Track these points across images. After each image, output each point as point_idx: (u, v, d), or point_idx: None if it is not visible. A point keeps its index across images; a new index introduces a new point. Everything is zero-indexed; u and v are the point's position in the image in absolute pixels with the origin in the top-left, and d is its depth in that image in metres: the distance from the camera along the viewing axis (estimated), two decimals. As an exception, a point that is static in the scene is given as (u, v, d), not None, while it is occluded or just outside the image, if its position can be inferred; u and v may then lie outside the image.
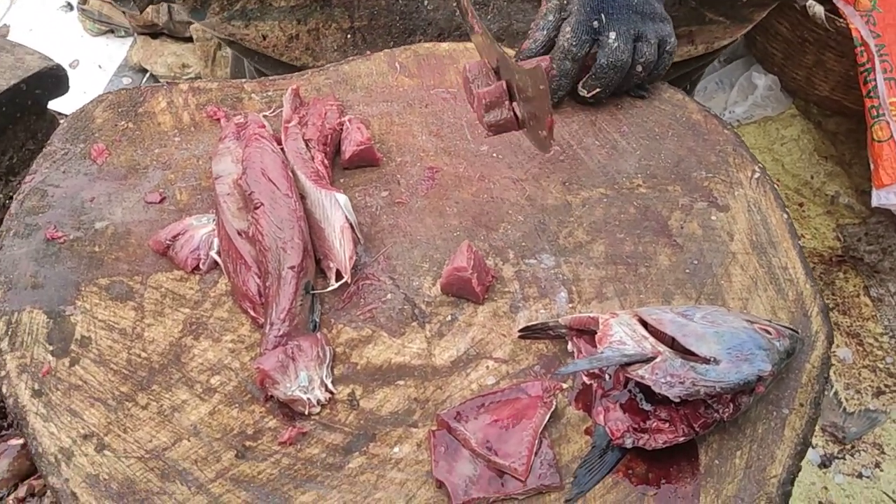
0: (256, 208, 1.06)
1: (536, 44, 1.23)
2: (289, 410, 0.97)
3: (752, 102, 2.98)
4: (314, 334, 1.01)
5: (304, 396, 0.96)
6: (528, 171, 1.22)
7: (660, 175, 1.21)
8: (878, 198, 2.30)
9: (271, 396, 0.97)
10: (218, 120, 1.25)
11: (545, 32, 1.23)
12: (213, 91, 1.29)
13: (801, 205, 2.71)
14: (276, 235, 1.03)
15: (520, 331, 1.01)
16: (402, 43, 1.53)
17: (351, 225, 1.07)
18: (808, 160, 2.87)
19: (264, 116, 1.25)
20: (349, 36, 1.53)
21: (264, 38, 1.54)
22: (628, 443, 0.91)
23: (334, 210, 1.07)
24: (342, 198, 1.07)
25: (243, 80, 1.33)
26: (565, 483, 0.92)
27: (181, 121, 1.26)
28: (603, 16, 1.20)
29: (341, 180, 1.20)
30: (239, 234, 1.07)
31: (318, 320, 1.04)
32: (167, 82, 1.32)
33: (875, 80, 2.38)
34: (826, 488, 1.96)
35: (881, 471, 2.00)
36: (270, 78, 1.32)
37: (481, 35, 1.11)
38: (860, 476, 1.99)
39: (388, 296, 1.07)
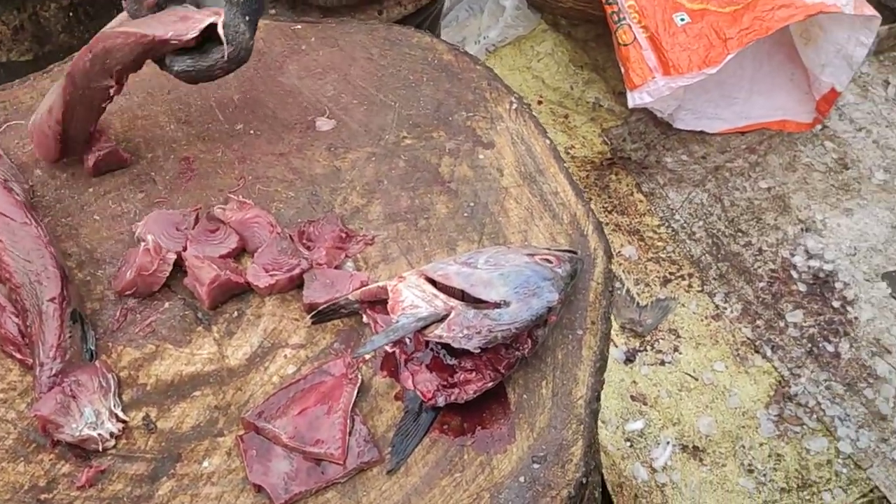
0: (-5, 246, 0.96)
1: None
2: (81, 451, 0.90)
3: (504, 24, 3.03)
4: (92, 364, 0.94)
5: (95, 433, 0.89)
6: (289, 143, 1.17)
7: (422, 123, 1.20)
8: (633, 99, 2.42)
9: (58, 441, 0.89)
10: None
11: None
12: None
13: (566, 116, 2.81)
14: (26, 269, 0.94)
15: (311, 317, 0.98)
16: (108, 17, 1.41)
17: None
18: (566, 71, 2.97)
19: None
20: (71, 14, 1.40)
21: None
22: (441, 401, 0.91)
23: None
24: None
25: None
26: (385, 455, 0.90)
27: None
28: None
29: (89, 190, 1.11)
30: (-19, 275, 0.97)
31: (93, 348, 0.96)
32: None
33: (610, -14, 2.47)
34: (635, 382, 2.08)
35: (680, 353, 2.14)
36: (-16, 90, 1.20)
37: None
38: (663, 363, 2.12)
39: (166, 304, 1.01)
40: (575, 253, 1.03)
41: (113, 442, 0.90)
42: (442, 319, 0.89)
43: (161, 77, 1.22)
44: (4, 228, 0.96)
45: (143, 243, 1.00)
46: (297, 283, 1.02)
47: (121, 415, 0.92)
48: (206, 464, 0.89)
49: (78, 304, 0.97)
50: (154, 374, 0.96)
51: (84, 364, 0.94)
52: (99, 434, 0.89)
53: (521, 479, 0.89)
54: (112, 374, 0.94)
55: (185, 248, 1.02)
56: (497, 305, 0.90)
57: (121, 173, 1.13)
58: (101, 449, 0.90)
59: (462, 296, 0.92)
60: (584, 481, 0.91)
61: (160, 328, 0.99)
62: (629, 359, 2.13)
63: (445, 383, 0.92)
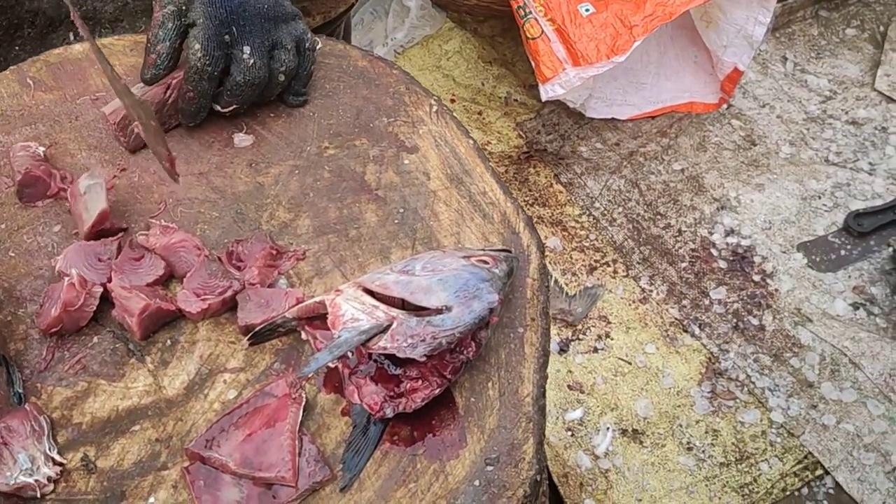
0: None
1: (162, 58, 1.09)
2: (19, 499, 0.86)
3: (410, 25, 3.03)
4: (22, 408, 0.90)
5: (31, 479, 0.85)
6: (209, 162, 1.14)
7: (343, 132, 1.19)
8: (546, 92, 2.44)
9: (-8, 492, 0.85)
10: None
11: (168, 44, 1.09)
12: None
13: (480, 113, 2.82)
14: (-59, 313, 0.90)
15: (248, 339, 0.96)
16: (11, 41, 1.37)
17: None
18: (476, 68, 2.99)
19: None
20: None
21: None
22: (389, 412, 0.90)
23: None
24: None
25: None
26: (336, 472, 0.89)
27: None
28: (234, 28, 1.09)
29: (1, 226, 1.06)
30: None
31: (21, 391, 0.92)
32: None
33: (514, -19, 2.49)
34: (570, 371, 2.11)
35: (612, 339, 2.18)
36: None
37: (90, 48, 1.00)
38: (596, 350, 2.15)
39: (95, 339, 0.97)
40: (509, 251, 1.03)
41: (52, 487, 0.87)
42: (384, 330, 0.88)
43: (66, 104, 1.18)
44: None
45: (66, 278, 0.96)
46: (230, 306, 1.00)
47: (57, 458, 0.88)
48: (152, 500, 0.86)
49: (1, 347, 0.93)
50: (89, 412, 0.92)
51: (13, 408, 0.90)
52: (36, 480, 0.85)
53: (476, 482, 0.89)
54: (44, 416, 0.90)
55: (109, 280, 0.98)
56: (439, 311, 0.89)
57: (33, 206, 1.08)
58: (39, 496, 0.86)
59: (402, 304, 0.91)
60: (538, 479, 0.92)
61: (91, 364, 0.95)
62: (563, 349, 2.15)
63: (392, 394, 0.91)
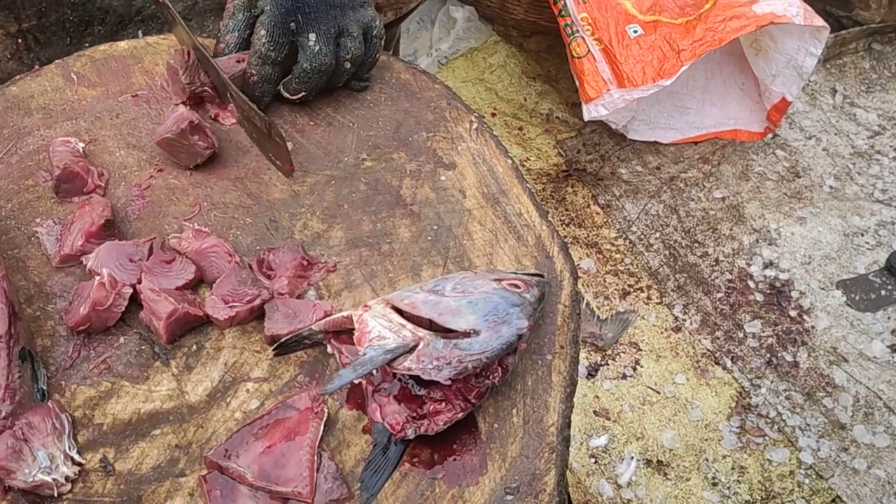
0: (-58, 276, 0.91)
1: (230, 47, 1.15)
2: (36, 497, 0.86)
3: (456, 36, 3.03)
4: (44, 405, 0.89)
5: (49, 478, 0.85)
6: (245, 168, 1.14)
7: (382, 145, 1.18)
8: (589, 112, 2.42)
9: (10, 488, 0.85)
10: None
11: (237, 34, 1.15)
12: None
13: (520, 128, 2.81)
14: (-29, 305, 0.90)
15: (273, 349, 0.95)
16: (81, 38, 1.38)
17: None
18: (519, 83, 2.97)
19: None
20: (20, 40, 1.36)
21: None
22: (410, 433, 0.88)
23: None
24: None
25: None
26: (354, 491, 0.88)
27: None
28: (300, 16, 1.11)
29: (36, 220, 1.06)
30: (-74, 311, 0.92)
31: (45, 388, 0.92)
32: None
33: (563, -1, 2.48)
34: (597, 397, 2.08)
35: (641, 367, 2.15)
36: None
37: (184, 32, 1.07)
38: (624, 377, 2.12)
39: (121, 339, 0.97)
40: (542, 276, 1.01)
41: (69, 486, 0.86)
42: (410, 350, 0.87)
43: (107, 100, 1.18)
44: (-46, 261, 0.92)
45: (96, 277, 0.96)
46: (257, 314, 0.99)
47: (77, 457, 0.88)
48: (167, 507, 0.86)
49: (27, 342, 0.93)
50: (111, 413, 0.92)
51: (36, 405, 0.89)
52: (54, 479, 0.85)
53: (495, 511, 0.87)
54: (66, 414, 0.90)
55: (139, 281, 0.98)
56: (466, 334, 0.88)
57: (69, 202, 1.08)
58: (56, 494, 0.85)
59: (430, 325, 0.90)
60: (559, 511, 0.90)
61: (116, 364, 0.95)
62: (591, 373, 2.12)
63: (415, 415, 0.89)
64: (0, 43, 1.36)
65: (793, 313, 2.27)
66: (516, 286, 0.95)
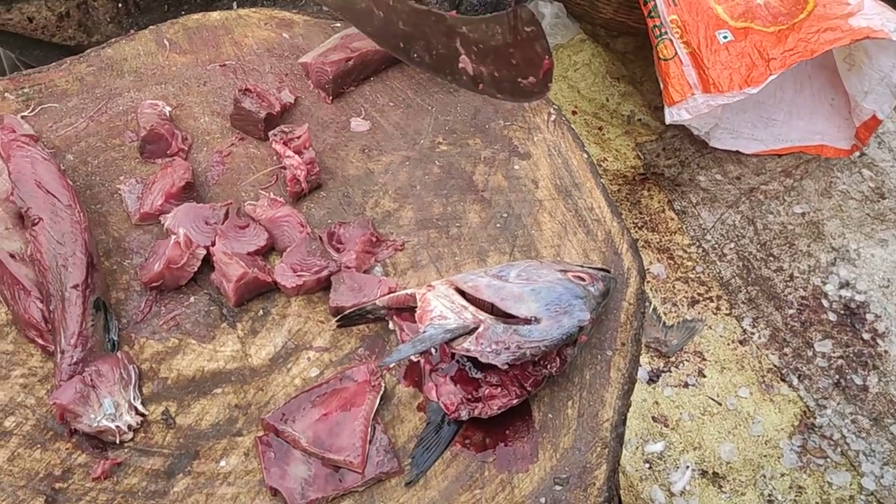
0: (35, 224, 0.95)
1: None
2: (98, 442, 0.89)
3: (543, 32, 3.01)
4: (114, 355, 0.92)
5: (113, 425, 0.88)
6: (324, 142, 1.16)
7: (459, 130, 1.18)
8: (671, 115, 2.38)
9: (76, 430, 0.88)
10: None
11: None
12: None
13: (600, 128, 2.78)
14: (55, 252, 0.93)
15: (337, 320, 0.96)
16: (178, 6, 1.42)
17: None
18: (602, 83, 2.94)
19: (23, 118, 1.12)
20: (120, 5, 1.41)
21: (31, 20, 1.39)
22: (464, 415, 0.89)
23: None
24: None
25: (-8, 78, 1.19)
26: (404, 465, 0.89)
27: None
28: None
29: (120, 178, 1.10)
30: (12, 256, 0.96)
31: (116, 339, 0.95)
32: None
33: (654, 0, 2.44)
34: (657, 403, 2.05)
35: (704, 377, 2.11)
36: (24, 73, 1.19)
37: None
38: (686, 385, 2.09)
39: (192, 299, 0.99)
40: (608, 271, 1.01)
41: (130, 435, 0.89)
42: (470, 332, 0.87)
43: (196, 67, 1.21)
44: (49, 208, 0.95)
45: (173, 236, 0.99)
46: (324, 285, 1.01)
47: (140, 408, 0.91)
48: (223, 463, 0.88)
49: (103, 293, 0.96)
50: (176, 369, 0.94)
51: (105, 354, 0.93)
52: (117, 426, 0.88)
53: (542, 500, 0.87)
54: (133, 365, 0.93)
55: (213, 243, 1.01)
56: (527, 321, 0.88)
57: (152, 162, 1.12)
58: (118, 441, 0.89)
59: (491, 309, 0.90)
60: (606, 506, 0.89)
61: (184, 322, 0.98)
62: (652, 379, 2.09)
63: (470, 397, 0.90)
64: (101, 6, 1.41)
65: (866, 336, 2.20)
66: (581, 279, 0.95)
